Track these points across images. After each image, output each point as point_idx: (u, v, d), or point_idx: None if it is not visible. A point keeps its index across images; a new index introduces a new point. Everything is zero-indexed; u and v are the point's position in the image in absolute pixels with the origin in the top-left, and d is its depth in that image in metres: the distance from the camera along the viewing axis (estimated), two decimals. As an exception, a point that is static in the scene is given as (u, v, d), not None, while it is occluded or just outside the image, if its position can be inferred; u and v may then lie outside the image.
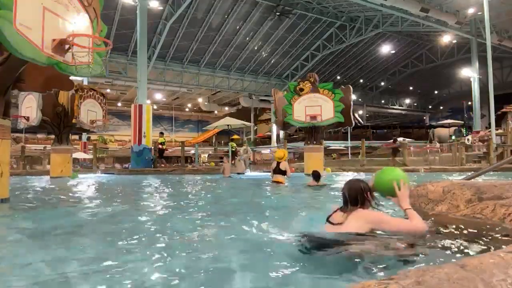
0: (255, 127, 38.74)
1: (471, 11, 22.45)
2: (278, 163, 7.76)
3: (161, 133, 17.52)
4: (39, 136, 28.27)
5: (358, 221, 2.20)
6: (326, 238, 2.15)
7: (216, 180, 10.05)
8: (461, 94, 35.64)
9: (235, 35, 25.37)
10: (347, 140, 27.53)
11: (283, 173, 7.66)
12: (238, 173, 12.30)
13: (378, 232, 2.21)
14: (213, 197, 6.19)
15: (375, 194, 2.41)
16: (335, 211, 2.35)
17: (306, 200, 5.38)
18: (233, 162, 17.60)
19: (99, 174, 14.05)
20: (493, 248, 1.91)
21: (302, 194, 6.27)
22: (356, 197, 2.30)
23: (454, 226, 2.45)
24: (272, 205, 4.76)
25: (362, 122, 37.77)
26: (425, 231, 2.18)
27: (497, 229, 2.20)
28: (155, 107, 31.23)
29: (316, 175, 6.74)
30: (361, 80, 37.80)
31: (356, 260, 1.93)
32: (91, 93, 12.47)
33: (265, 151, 30.27)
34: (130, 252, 2.28)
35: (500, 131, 18.67)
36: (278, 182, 7.57)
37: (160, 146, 16.25)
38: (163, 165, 16.41)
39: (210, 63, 27.94)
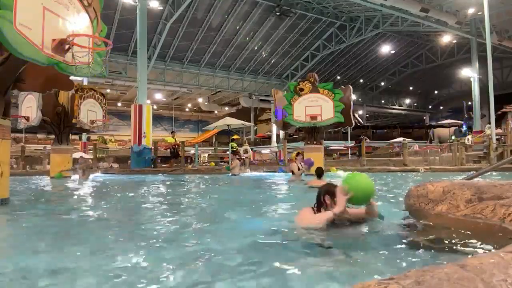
0: (255, 127, 38.73)
1: (471, 11, 22.44)
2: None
3: (172, 132, 17.87)
4: (39, 136, 28.25)
5: (299, 213, 2.78)
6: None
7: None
8: (461, 94, 35.63)
9: (235, 35, 25.36)
10: (347, 140, 27.56)
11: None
12: (234, 174, 12.15)
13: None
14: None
15: None
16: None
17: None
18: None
19: (98, 174, 14.03)
20: (493, 248, 1.91)
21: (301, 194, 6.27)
22: (317, 200, 2.75)
23: (454, 226, 2.45)
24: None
25: (362, 122, 37.76)
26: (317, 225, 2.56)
27: (497, 229, 2.20)
28: (155, 107, 31.21)
29: (319, 173, 6.76)
30: (361, 80, 37.79)
31: (355, 260, 1.93)
32: (91, 93, 12.47)
33: (265, 151, 30.27)
34: (128, 249, 2.28)
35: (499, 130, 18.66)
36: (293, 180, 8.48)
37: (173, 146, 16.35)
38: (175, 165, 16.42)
39: (210, 63, 27.93)
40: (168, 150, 17.09)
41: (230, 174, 12.30)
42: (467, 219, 2.46)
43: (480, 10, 19.57)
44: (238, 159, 19.06)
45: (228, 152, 17.69)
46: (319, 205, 2.69)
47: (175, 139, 16.46)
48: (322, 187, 2.80)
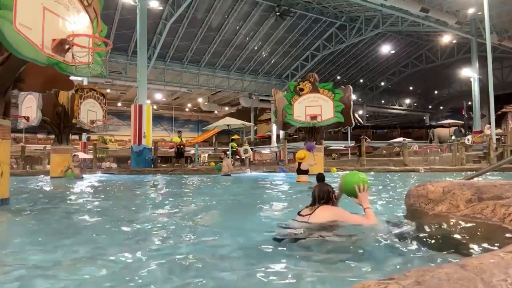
0: (255, 127, 38.74)
1: (471, 11, 22.46)
2: (300, 164, 7.87)
3: (179, 132, 17.87)
4: (39, 136, 28.28)
5: (325, 212, 2.66)
6: (295, 227, 2.60)
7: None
8: (461, 94, 35.66)
9: (235, 35, 25.38)
10: (347, 140, 27.58)
11: (305, 172, 7.80)
12: (225, 174, 11.58)
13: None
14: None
15: (342, 194, 2.94)
16: (306, 207, 2.81)
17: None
18: (233, 162, 17.60)
19: (99, 174, 14.04)
20: (493, 248, 1.91)
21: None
22: (323, 197, 2.77)
23: (454, 226, 2.45)
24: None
25: (362, 122, 37.78)
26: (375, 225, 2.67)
27: (497, 229, 2.20)
28: (155, 107, 31.23)
29: (320, 178, 6.58)
30: (361, 80, 37.81)
31: (355, 260, 1.93)
32: (91, 93, 12.47)
33: (265, 151, 30.29)
34: (127, 249, 2.28)
35: (499, 131, 18.69)
36: (301, 182, 7.72)
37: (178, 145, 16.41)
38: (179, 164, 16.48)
39: (210, 63, 27.94)
40: (173, 149, 17.20)
41: (221, 174, 11.66)
42: (467, 219, 2.46)
43: (480, 10, 19.58)
44: (237, 159, 19.09)
45: (228, 152, 17.72)
46: (327, 203, 2.76)
47: (181, 139, 16.52)
48: (328, 186, 2.89)
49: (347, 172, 3.16)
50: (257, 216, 3.83)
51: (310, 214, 2.65)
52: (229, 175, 11.61)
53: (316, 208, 2.69)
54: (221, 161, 12.82)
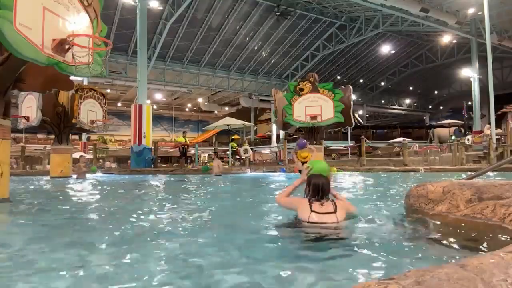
0: (255, 127, 38.72)
1: (471, 11, 22.45)
2: (304, 164, 7.70)
3: (184, 132, 18.16)
4: (39, 136, 28.27)
5: (343, 208, 2.77)
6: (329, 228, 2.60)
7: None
8: (461, 94, 35.63)
9: (235, 35, 25.37)
10: (347, 140, 27.57)
11: None
12: (216, 175, 11.50)
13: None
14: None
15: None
16: (312, 202, 2.75)
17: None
18: (233, 162, 17.61)
19: (99, 174, 14.04)
20: (493, 248, 1.91)
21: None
22: (329, 189, 2.83)
23: (454, 226, 2.45)
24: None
25: (362, 122, 37.77)
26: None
27: (497, 229, 2.20)
28: (155, 107, 31.22)
29: None
30: (361, 80, 37.79)
31: (355, 260, 1.93)
32: (91, 93, 12.47)
33: (265, 151, 30.28)
34: (127, 249, 2.28)
35: (499, 131, 18.68)
36: None
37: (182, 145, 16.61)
38: (185, 165, 16.59)
39: (210, 63, 27.93)
40: (178, 148, 17.37)
41: (212, 175, 11.52)
42: (467, 219, 2.46)
43: (480, 10, 19.58)
44: (237, 159, 19.07)
45: (228, 152, 17.73)
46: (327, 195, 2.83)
47: (185, 139, 16.73)
48: (327, 179, 2.92)
49: (312, 160, 3.45)
50: (258, 216, 3.82)
51: (333, 212, 2.68)
52: (220, 175, 11.52)
53: (334, 205, 2.73)
54: (221, 161, 12.82)
